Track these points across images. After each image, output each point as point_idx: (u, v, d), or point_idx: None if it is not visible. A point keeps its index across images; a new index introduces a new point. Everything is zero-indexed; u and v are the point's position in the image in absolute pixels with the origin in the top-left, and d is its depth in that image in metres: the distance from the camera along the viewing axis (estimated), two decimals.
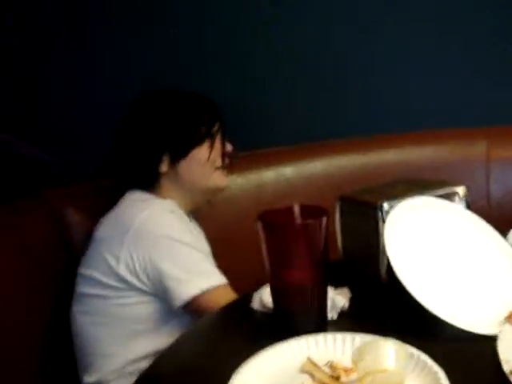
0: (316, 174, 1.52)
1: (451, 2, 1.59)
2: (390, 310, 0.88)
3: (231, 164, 1.25)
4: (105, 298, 1.10)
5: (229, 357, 0.73)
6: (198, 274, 1.09)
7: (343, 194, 0.98)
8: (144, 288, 1.10)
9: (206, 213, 1.35)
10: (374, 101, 1.62)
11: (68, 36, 1.57)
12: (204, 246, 1.21)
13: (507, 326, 0.74)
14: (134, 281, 1.09)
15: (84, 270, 1.13)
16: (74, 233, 1.25)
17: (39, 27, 1.56)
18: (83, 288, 1.13)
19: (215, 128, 1.19)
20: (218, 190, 1.23)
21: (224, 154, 1.21)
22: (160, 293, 1.09)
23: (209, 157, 1.17)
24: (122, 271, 1.08)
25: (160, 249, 1.08)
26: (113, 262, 1.09)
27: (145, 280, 1.09)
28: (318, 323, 0.79)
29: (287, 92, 1.65)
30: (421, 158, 1.49)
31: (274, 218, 0.76)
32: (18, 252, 1.11)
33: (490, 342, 0.71)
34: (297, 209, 0.76)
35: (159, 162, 1.16)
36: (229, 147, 1.23)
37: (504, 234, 0.96)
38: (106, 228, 1.12)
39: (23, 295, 1.07)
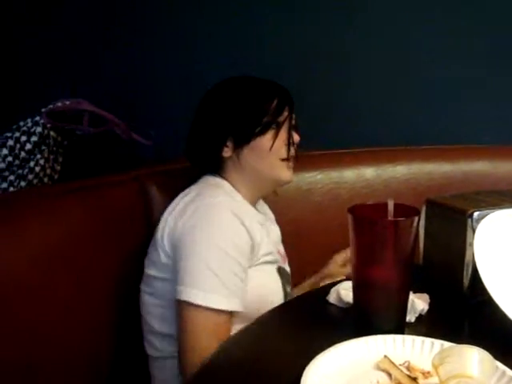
0: (396, 178, 1.50)
1: None
2: (468, 320, 0.86)
3: (297, 157, 1.19)
4: (163, 280, 1.10)
5: (303, 348, 0.73)
6: (210, 289, 1.01)
7: (431, 198, 0.96)
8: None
9: (281, 204, 1.35)
10: (467, 110, 1.58)
11: (156, 29, 1.63)
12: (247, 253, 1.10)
13: None
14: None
15: (149, 251, 1.14)
16: (156, 211, 1.29)
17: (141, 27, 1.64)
18: (147, 268, 1.13)
19: (282, 118, 1.14)
20: (280, 182, 1.18)
21: (290, 145, 1.15)
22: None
23: (272, 146, 1.12)
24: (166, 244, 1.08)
25: (197, 245, 1.04)
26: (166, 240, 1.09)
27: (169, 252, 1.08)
28: (397, 324, 0.79)
29: (375, 94, 1.64)
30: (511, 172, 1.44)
31: (365, 213, 0.76)
32: (102, 222, 1.15)
33: None
34: (389, 206, 0.75)
35: (224, 145, 1.14)
36: (296, 138, 1.17)
37: None
38: (169, 208, 1.13)
39: (102, 265, 1.11)
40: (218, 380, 0.72)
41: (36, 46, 1.71)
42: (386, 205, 0.78)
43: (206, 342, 0.98)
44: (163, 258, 1.08)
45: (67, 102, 1.39)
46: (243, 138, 1.13)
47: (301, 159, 1.26)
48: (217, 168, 1.18)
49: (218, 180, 1.16)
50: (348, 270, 1.21)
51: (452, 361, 0.64)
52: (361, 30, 1.63)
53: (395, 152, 1.55)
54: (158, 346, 1.12)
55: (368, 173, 1.50)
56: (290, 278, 1.23)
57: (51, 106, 1.40)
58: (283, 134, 1.14)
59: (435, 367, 0.66)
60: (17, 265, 0.93)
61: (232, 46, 1.65)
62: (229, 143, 1.14)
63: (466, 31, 1.60)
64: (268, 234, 1.17)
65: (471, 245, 0.87)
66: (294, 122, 1.17)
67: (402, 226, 0.73)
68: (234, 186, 1.16)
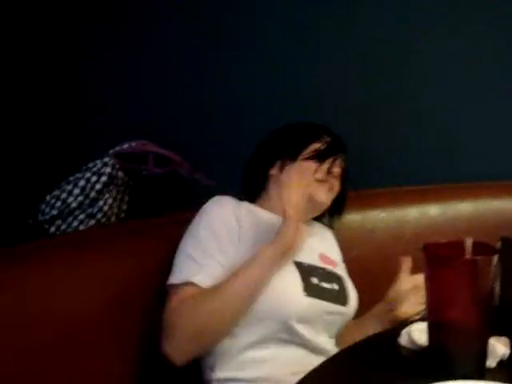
0: (462, 215, 1.46)
1: None
2: None
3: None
4: None
5: None
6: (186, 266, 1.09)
7: (506, 236, 0.93)
8: None
9: (344, 243, 1.34)
10: None
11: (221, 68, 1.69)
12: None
13: None
14: None
15: None
16: None
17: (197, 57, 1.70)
18: None
19: (327, 150, 1.22)
20: (314, 203, 1.20)
21: (329, 171, 1.21)
22: None
23: (311, 169, 1.19)
24: None
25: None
26: None
27: None
28: (477, 369, 0.75)
29: (434, 131, 1.62)
30: None
31: (440, 251, 0.74)
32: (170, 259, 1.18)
33: None
34: (467, 243, 0.72)
35: (272, 166, 1.24)
36: (336, 170, 1.23)
37: None
38: None
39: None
40: None
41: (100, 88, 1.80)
42: (459, 243, 0.75)
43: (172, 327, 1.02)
44: None
45: (133, 144, 1.44)
46: (290, 156, 1.22)
47: (364, 197, 1.25)
48: (258, 187, 1.26)
49: None
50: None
51: None
52: (426, 67, 1.63)
53: (460, 189, 1.51)
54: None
55: (432, 211, 1.46)
56: (340, 281, 1.19)
57: (118, 148, 1.46)
58: (326, 163, 1.21)
59: None
60: (88, 302, 0.95)
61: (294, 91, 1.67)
62: (277, 164, 1.24)
63: None
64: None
65: None
66: (338, 169, 1.23)
67: (480, 264, 0.71)
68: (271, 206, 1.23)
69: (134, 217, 1.45)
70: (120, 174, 1.41)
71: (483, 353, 0.76)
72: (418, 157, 1.61)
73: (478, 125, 1.60)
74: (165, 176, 1.46)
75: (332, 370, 0.83)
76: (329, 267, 1.21)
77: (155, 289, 1.09)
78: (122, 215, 1.43)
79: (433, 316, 0.75)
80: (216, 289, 1.04)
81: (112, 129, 1.69)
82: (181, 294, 1.05)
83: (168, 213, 1.37)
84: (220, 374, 1.08)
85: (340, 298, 1.16)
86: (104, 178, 1.36)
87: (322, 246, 1.26)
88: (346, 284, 1.20)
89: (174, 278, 1.07)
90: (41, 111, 1.77)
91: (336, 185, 1.23)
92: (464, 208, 1.47)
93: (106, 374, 0.93)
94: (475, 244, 0.74)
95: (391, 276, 1.25)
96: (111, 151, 1.43)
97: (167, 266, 1.12)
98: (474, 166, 1.57)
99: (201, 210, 1.16)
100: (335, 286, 1.17)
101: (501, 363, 0.80)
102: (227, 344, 1.07)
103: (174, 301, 1.04)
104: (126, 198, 1.44)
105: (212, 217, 1.14)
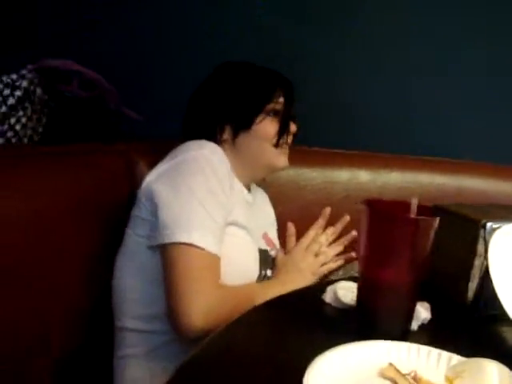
0: (390, 184, 1.46)
1: None
2: (471, 333, 0.82)
3: (293, 145, 1.20)
4: (137, 235, 1.04)
5: (300, 349, 0.68)
6: (192, 226, 0.95)
7: (439, 205, 0.92)
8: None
9: (273, 197, 1.33)
10: (465, 125, 1.57)
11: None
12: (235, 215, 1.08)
13: None
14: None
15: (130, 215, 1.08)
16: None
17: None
18: (127, 230, 1.08)
19: (281, 106, 1.15)
20: (275, 168, 1.18)
21: (287, 134, 1.16)
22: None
23: (269, 133, 1.13)
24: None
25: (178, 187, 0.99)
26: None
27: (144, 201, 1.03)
28: (402, 330, 0.74)
29: (380, 100, 1.61)
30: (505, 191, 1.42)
31: (383, 208, 0.71)
32: (85, 190, 1.09)
33: None
34: (413, 204, 0.70)
35: (222, 129, 1.14)
36: (293, 128, 1.18)
37: None
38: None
39: (81, 234, 1.05)
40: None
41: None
42: (403, 203, 0.73)
43: (199, 284, 0.92)
44: (143, 213, 1.02)
45: (58, 62, 1.30)
46: (243, 124, 1.13)
47: (297, 154, 1.23)
48: None
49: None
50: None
51: (469, 375, 0.60)
52: (363, 35, 1.59)
53: (390, 159, 1.52)
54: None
55: (362, 176, 1.45)
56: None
57: (39, 62, 1.30)
58: (282, 122, 1.15)
59: (449, 381, 0.61)
60: None
61: (230, 32, 1.59)
62: (227, 127, 1.14)
63: (465, 40, 1.57)
64: (251, 215, 1.15)
65: (481, 256, 0.83)
66: (292, 111, 1.18)
67: (423, 225, 0.68)
68: None
69: (49, 143, 1.31)
70: (38, 90, 1.26)
71: (410, 315, 0.75)
72: (355, 123, 1.59)
73: (422, 100, 1.59)
74: (89, 101, 1.32)
75: (255, 322, 0.79)
76: (269, 249, 1.20)
77: (67, 219, 0.99)
78: (36, 138, 1.29)
79: (366, 273, 0.72)
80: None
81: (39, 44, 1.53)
82: (200, 259, 0.94)
83: (87, 142, 1.26)
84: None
85: None
86: (18, 93, 1.20)
87: (265, 224, 1.25)
88: None
89: (189, 237, 0.93)
90: None
91: (290, 140, 1.20)
92: (393, 178, 1.47)
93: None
94: (418, 207, 0.72)
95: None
96: (30, 66, 1.28)
97: (82, 195, 1.03)
98: (405, 140, 1.57)
99: (194, 157, 1.02)
100: (269, 273, 1.16)
101: (422, 327, 0.80)
102: None
103: (196, 264, 0.93)
104: (44, 120, 1.30)
105: (211, 173, 1.01)
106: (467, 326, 0.84)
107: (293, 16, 1.59)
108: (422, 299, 0.85)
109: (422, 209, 0.72)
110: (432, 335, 0.78)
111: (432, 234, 0.69)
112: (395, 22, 1.58)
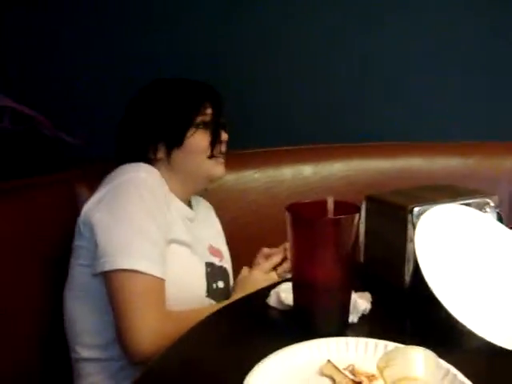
0: (335, 175, 1.49)
1: None
2: (411, 318, 0.85)
3: (228, 153, 1.21)
4: (81, 265, 1.04)
5: (243, 354, 0.69)
6: (133, 253, 0.96)
7: (370, 195, 0.95)
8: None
9: (217, 203, 1.34)
10: (404, 107, 1.60)
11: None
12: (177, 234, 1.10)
13: None
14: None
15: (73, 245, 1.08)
16: None
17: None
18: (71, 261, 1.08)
19: (210, 117, 1.16)
20: (213, 179, 1.19)
21: (220, 143, 1.17)
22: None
23: (202, 146, 1.14)
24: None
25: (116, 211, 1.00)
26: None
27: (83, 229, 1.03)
28: (340, 325, 0.76)
29: (308, 92, 1.63)
30: (446, 167, 1.46)
31: (304, 211, 0.72)
32: (30, 225, 1.08)
33: None
34: (329, 203, 0.72)
35: (155, 149, 1.14)
36: (225, 137, 1.19)
37: None
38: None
39: (27, 269, 1.05)
40: None
41: None
42: (325, 202, 0.75)
43: (145, 308, 0.93)
44: (84, 242, 1.03)
45: None
46: (175, 141, 1.13)
47: (237, 158, 1.24)
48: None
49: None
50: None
51: (397, 363, 0.62)
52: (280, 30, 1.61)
53: (333, 149, 1.54)
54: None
55: (306, 170, 1.48)
56: (227, 277, 1.21)
57: None
58: (213, 133, 1.15)
59: (380, 370, 0.63)
60: None
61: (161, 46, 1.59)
62: (160, 146, 1.14)
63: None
64: (193, 230, 1.16)
65: (412, 240, 0.86)
66: (222, 120, 1.18)
67: (342, 224, 0.70)
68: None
69: None
70: None
71: (345, 310, 0.77)
72: (291, 117, 1.61)
73: (352, 88, 1.62)
74: (24, 134, 1.31)
75: (202, 332, 0.81)
76: (217, 261, 1.20)
77: (12, 255, 0.98)
78: None
79: (297, 276, 0.74)
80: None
81: None
82: (143, 284, 0.94)
83: (30, 175, 1.25)
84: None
85: (227, 295, 1.17)
86: None
87: (210, 236, 1.25)
88: (230, 278, 1.22)
89: (130, 263, 0.94)
90: None
91: (224, 148, 1.20)
92: (337, 168, 1.50)
93: None
94: (338, 203, 0.74)
95: (267, 236, 1.25)
96: None
97: (27, 230, 1.02)
98: (345, 129, 1.60)
99: (130, 181, 1.02)
100: (221, 284, 1.17)
101: (363, 318, 0.82)
102: None
103: (139, 290, 0.94)
104: None
105: (149, 195, 1.02)
106: (407, 311, 0.86)
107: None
108: (363, 290, 0.88)
109: (343, 205, 0.74)
110: (372, 325, 0.80)
111: (353, 230, 0.71)
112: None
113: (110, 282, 0.96)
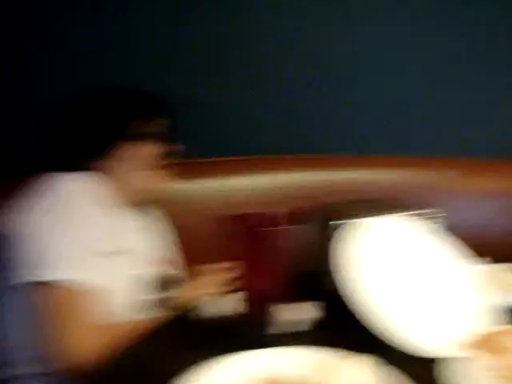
0: (268, 187, 1.50)
1: None
2: (340, 327, 0.86)
3: (168, 166, 1.15)
4: (4, 279, 1.01)
5: (175, 367, 0.70)
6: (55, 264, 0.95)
7: (297, 208, 0.97)
8: None
9: (173, 212, 1.32)
10: (339, 122, 1.65)
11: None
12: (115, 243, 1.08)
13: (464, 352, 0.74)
14: None
15: None
16: None
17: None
18: None
19: (146, 128, 1.12)
20: (151, 190, 1.15)
21: (158, 154, 1.12)
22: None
23: (137, 156, 1.11)
24: None
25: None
26: None
27: None
28: (265, 337, 0.77)
29: (264, 102, 1.64)
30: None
31: (248, 222, 0.74)
32: None
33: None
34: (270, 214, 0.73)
35: (93, 159, 1.09)
36: (164, 148, 1.14)
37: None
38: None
39: None
40: None
41: None
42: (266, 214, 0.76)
43: (68, 320, 0.94)
44: (7, 255, 0.99)
45: None
46: (107, 152, 1.09)
47: (194, 167, 1.23)
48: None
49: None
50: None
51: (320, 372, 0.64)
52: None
53: (289, 160, 1.56)
54: None
55: (263, 180, 1.49)
56: (174, 286, 1.18)
57: None
58: (149, 144, 1.12)
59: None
60: None
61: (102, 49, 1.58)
62: (96, 157, 1.10)
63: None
64: (139, 239, 1.15)
65: (335, 252, 0.86)
66: (164, 130, 1.14)
67: (261, 236, 0.72)
68: None
69: None
70: None
71: (268, 321, 0.78)
72: (250, 127, 1.62)
73: (289, 99, 1.64)
74: None
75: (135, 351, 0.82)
76: (163, 270, 1.19)
77: None
78: None
79: (243, 286, 0.75)
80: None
81: None
82: (67, 295, 0.94)
83: None
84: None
85: (170, 304, 1.12)
86: None
87: (157, 245, 1.22)
88: (178, 286, 1.18)
89: (52, 274, 0.94)
90: None
91: (164, 158, 1.14)
92: (268, 180, 1.51)
93: None
94: (284, 214, 0.75)
95: (223, 245, 1.25)
96: None
97: None
98: (279, 140, 1.62)
99: (54, 192, 1.01)
100: (161, 294, 1.15)
101: (300, 327, 0.83)
102: None
103: (63, 301, 0.94)
104: None
105: (70, 206, 1.00)
106: (335, 321, 0.88)
107: None
108: (308, 299, 0.89)
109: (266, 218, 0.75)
110: (305, 334, 0.82)
111: (278, 241, 0.73)
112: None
113: (33, 294, 0.95)
